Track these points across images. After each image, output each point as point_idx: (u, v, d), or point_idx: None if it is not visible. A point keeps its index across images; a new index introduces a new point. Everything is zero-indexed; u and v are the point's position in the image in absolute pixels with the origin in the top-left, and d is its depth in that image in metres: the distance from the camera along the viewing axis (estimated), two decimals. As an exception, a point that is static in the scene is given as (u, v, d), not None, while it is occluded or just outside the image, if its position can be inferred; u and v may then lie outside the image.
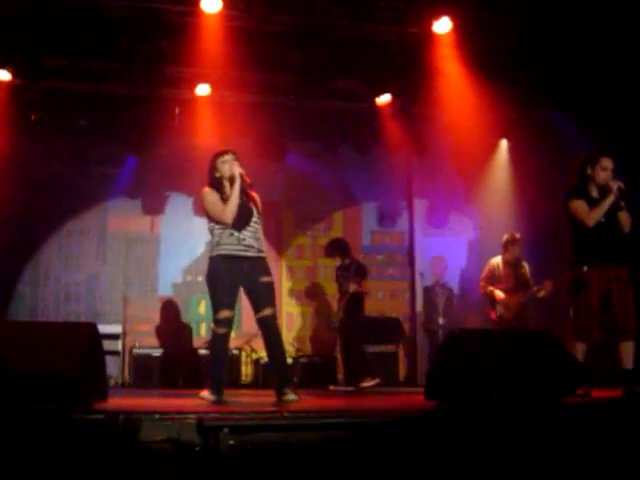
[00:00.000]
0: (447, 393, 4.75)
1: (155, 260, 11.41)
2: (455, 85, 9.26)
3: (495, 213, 10.81)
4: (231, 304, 6.05)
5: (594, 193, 6.40)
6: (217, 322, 6.01)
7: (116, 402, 5.32)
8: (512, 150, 11.13)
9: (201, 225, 11.23)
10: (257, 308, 6.11)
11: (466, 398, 4.58)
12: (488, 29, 8.85)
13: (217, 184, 6.12)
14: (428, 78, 9.33)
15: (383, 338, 10.86)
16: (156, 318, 11.19)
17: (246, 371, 10.82)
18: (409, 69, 9.42)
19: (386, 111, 10.30)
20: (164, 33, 8.70)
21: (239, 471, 3.86)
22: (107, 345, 9.20)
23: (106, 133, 10.46)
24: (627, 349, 6.15)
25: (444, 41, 8.80)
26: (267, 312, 6.08)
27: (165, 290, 11.39)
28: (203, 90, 9.84)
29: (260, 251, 6.16)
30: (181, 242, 11.35)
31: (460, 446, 4.06)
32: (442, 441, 4.07)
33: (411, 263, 11.67)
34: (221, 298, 6.01)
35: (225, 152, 6.17)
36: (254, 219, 6.15)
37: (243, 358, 10.75)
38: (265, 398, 6.92)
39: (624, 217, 6.33)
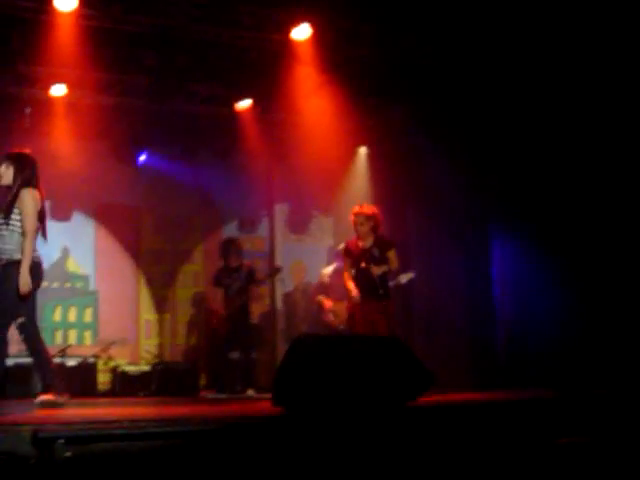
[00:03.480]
0: (293, 399, 4.75)
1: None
2: (315, 92, 9.34)
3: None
4: None
5: (363, 243, 8.05)
6: None
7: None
8: (371, 157, 11.28)
9: (56, 230, 11.02)
10: None
11: (310, 403, 4.58)
12: (347, 36, 8.95)
13: None
14: (288, 84, 9.35)
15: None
16: (9, 326, 10.78)
17: (103, 379, 10.57)
18: (269, 75, 9.41)
19: (246, 116, 10.27)
20: (16, 30, 8.41)
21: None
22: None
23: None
24: None
25: (304, 48, 8.84)
26: (20, 320, 6.09)
27: (18, 296, 10.98)
28: (58, 90, 9.55)
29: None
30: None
31: (302, 453, 4.05)
32: (286, 447, 4.05)
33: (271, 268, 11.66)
34: None
35: None
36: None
37: (100, 366, 10.49)
38: (119, 407, 6.78)
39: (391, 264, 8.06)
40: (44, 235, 6.26)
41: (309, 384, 4.69)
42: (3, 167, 6.13)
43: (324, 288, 9.69)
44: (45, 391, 6.07)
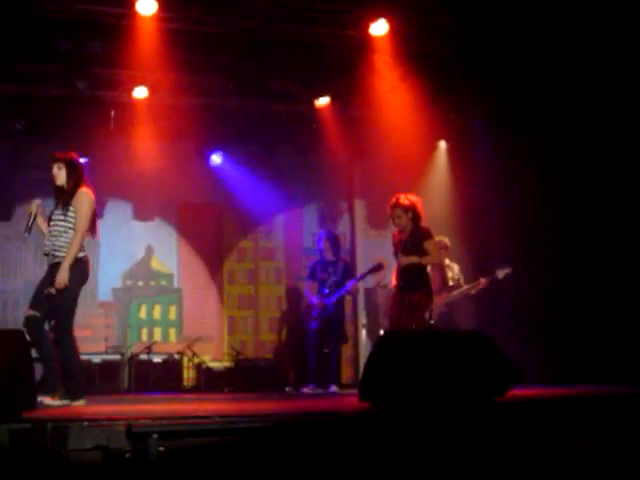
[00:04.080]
0: (379, 394, 4.76)
1: (94, 265, 11.19)
2: (393, 87, 9.31)
3: (434, 214, 10.82)
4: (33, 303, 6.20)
5: (402, 236, 7.59)
6: None
7: (46, 410, 5.25)
8: (451, 151, 11.20)
9: (141, 229, 11.27)
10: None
11: (397, 399, 4.59)
12: (425, 31, 8.91)
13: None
14: (366, 80, 9.34)
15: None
16: (96, 323, 11.05)
17: (188, 375, 10.75)
18: (347, 71, 9.45)
19: (325, 113, 10.30)
20: (99, 35, 8.64)
21: (169, 477, 3.82)
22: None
23: (43, 136, 10.28)
24: None
25: (381, 43, 8.83)
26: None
27: (105, 295, 11.25)
28: (140, 93, 9.73)
29: (54, 257, 6.19)
30: (121, 246, 11.23)
31: (390, 447, 4.06)
32: (372, 442, 4.07)
33: (353, 265, 11.66)
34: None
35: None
36: (54, 223, 6.22)
37: (185, 362, 10.67)
38: (207, 403, 6.88)
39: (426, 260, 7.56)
40: (94, 234, 6.39)
41: (396, 379, 4.70)
42: (55, 168, 6.28)
43: None
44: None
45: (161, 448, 3.79)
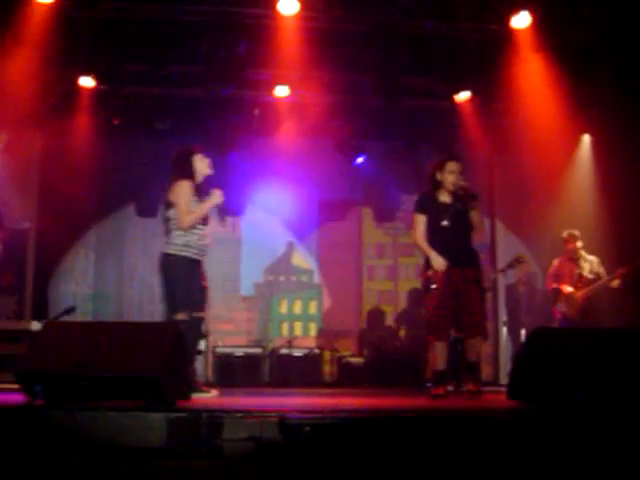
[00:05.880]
0: (530, 393, 4.68)
1: (237, 260, 11.56)
2: (535, 80, 9.13)
3: (578, 209, 10.58)
4: (188, 306, 6.14)
5: (444, 198, 6.64)
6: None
7: (199, 401, 5.42)
8: (595, 145, 10.89)
9: (282, 225, 11.48)
10: (198, 308, 6.23)
11: (549, 398, 4.51)
12: (568, 22, 8.69)
13: (193, 180, 6.25)
14: (507, 74, 9.20)
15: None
16: (239, 317, 11.33)
17: (328, 370, 10.86)
18: (488, 65, 9.31)
19: (466, 108, 10.21)
20: (242, 36, 8.84)
21: (321, 470, 3.88)
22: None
23: (187, 136, 10.58)
24: (473, 345, 6.59)
25: (523, 36, 8.68)
26: (203, 314, 6.31)
27: (247, 290, 11.54)
28: (282, 91, 9.91)
29: (204, 255, 6.35)
30: (262, 242, 11.49)
31: (543, 446, 4.00)
32: (524, 441, 4.02)
33: (493, 261, 11.52)
34: (180, 300, 6.10)
35: (201, 149, 6.35)
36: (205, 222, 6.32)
37: (325, 357, 10.79)
38: (346, 397, 6.94)
39: (475, 218, 6.56)
40: None
41: (546, 378, 4.61)
42: (206, 157, 6.35)
43: (557, 277, 9.25)
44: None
45: (313, 440, 3.87)
